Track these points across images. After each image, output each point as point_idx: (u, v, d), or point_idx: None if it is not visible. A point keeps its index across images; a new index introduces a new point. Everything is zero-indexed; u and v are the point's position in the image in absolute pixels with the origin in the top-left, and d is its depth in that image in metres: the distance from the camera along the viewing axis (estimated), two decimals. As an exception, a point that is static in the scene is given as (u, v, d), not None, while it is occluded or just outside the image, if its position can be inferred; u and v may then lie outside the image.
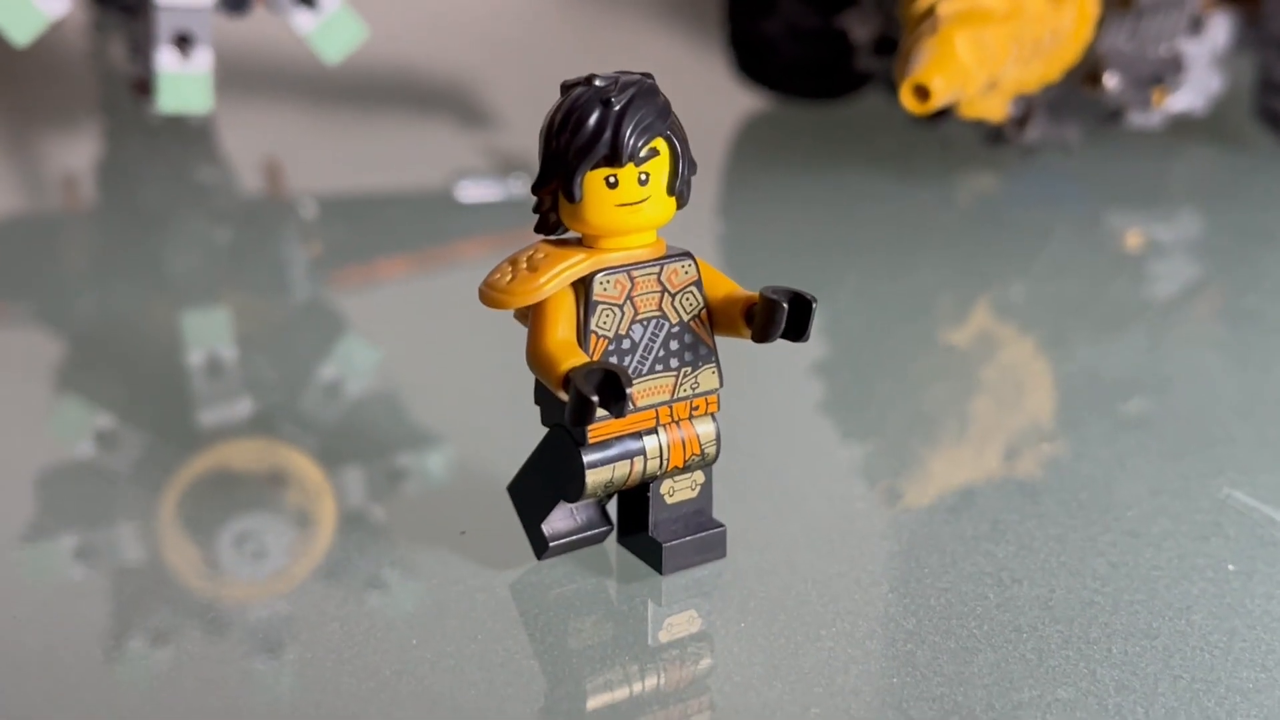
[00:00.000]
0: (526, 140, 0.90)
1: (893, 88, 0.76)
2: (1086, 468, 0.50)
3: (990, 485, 0.50)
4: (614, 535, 0.45)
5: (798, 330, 0.40)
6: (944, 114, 0.71)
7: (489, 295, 0.40)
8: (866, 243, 0.74)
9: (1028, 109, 0.72)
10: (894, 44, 0.73)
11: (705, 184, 0.81)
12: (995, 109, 0.68)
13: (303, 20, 0.73)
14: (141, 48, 0.76)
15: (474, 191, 0.82)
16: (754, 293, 0.41)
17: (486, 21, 1.22)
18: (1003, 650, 0.40)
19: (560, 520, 0.43)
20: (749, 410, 0.52)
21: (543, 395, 0.42)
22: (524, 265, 0.40)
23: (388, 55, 1.08)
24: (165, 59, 0.69)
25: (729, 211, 0.78)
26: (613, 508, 0.45)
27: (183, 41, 0.69)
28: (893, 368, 0.61)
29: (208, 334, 0.66)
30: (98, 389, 0.58)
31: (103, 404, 0.57)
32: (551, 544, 0.43)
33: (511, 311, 0.42)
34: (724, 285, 0.42)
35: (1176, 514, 0.47)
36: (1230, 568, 0.44)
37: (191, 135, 0.90)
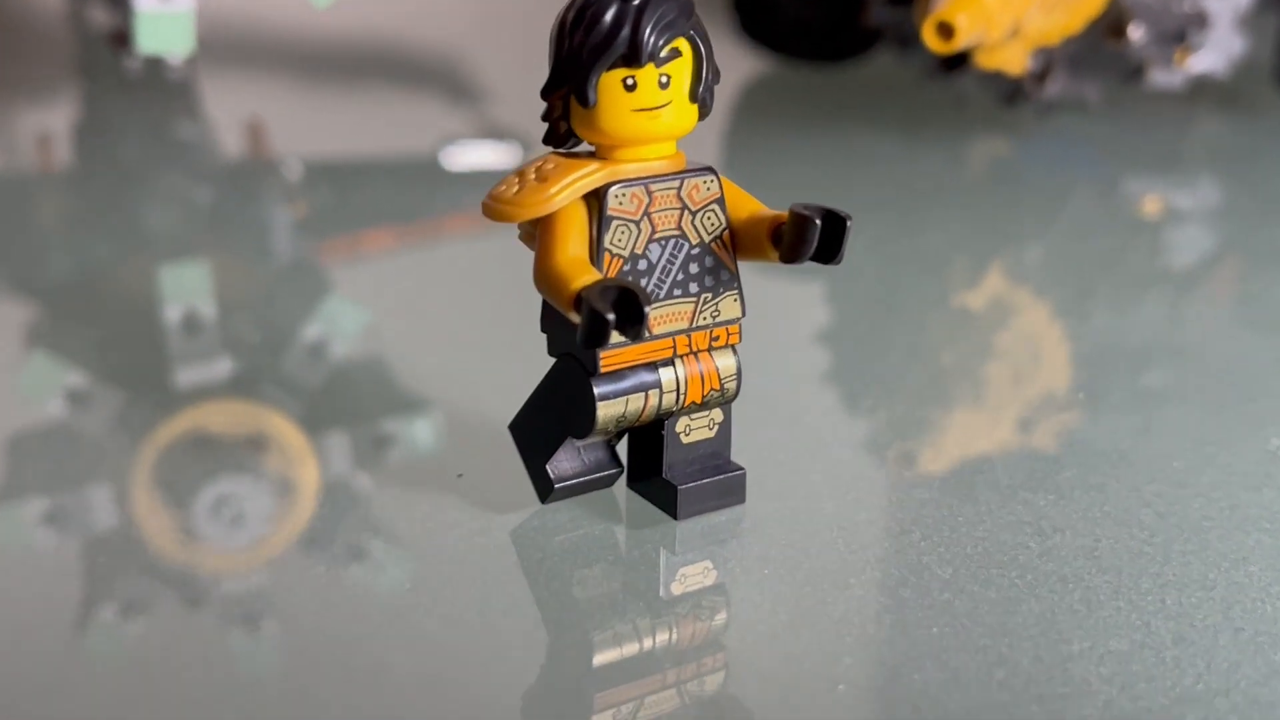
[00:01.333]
0: (514, 114, 0.88)
1: (904, 43, 0.73)
2: (1123, 422, 0.47)
3: (1024, 440, 0.47)
4: (624, 478, 0.41)
5: (830, 251, 0.37)
6: (961, 65, 0.68)
7: (493, 208, 0.37)
8: (876, 206, 0.71)
9: (1048, 63, 0.69)
10: (908, -6, 0.70)
11: (708, 147, 0.78)
12: (1015, 60, 0.65)
13: (290, -40, 0.70)
14: (120, -5, 0.73)
15: (465, 158, 0.79)
16: (781, 212, 0.38)
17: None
18: (1048, 600, 0.37)
19: (566, 461, 0.40)
20: (762, 352, 0.49)
21: (551, 321, 0.38)
22: (532, 176, 0.37)
23: (375, 21, 1.06)
24: (144, -2, 0.66)
25: (732, 176, 0.75)
26: (622, 449, 0.42)
27: (163, -21, 0.65)
28: (907, 329, 0.57)
29: (186, 291, 0.63)
30: (71, 346, 0.55)
31: (76, 361, 0.54)
32: (557, 486, 0.40)
33: (516, 231, 0.39)
34: (749, 204, 0.39)
35: (1225, 465, 0.44)
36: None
37: (172, 92, 0.87)
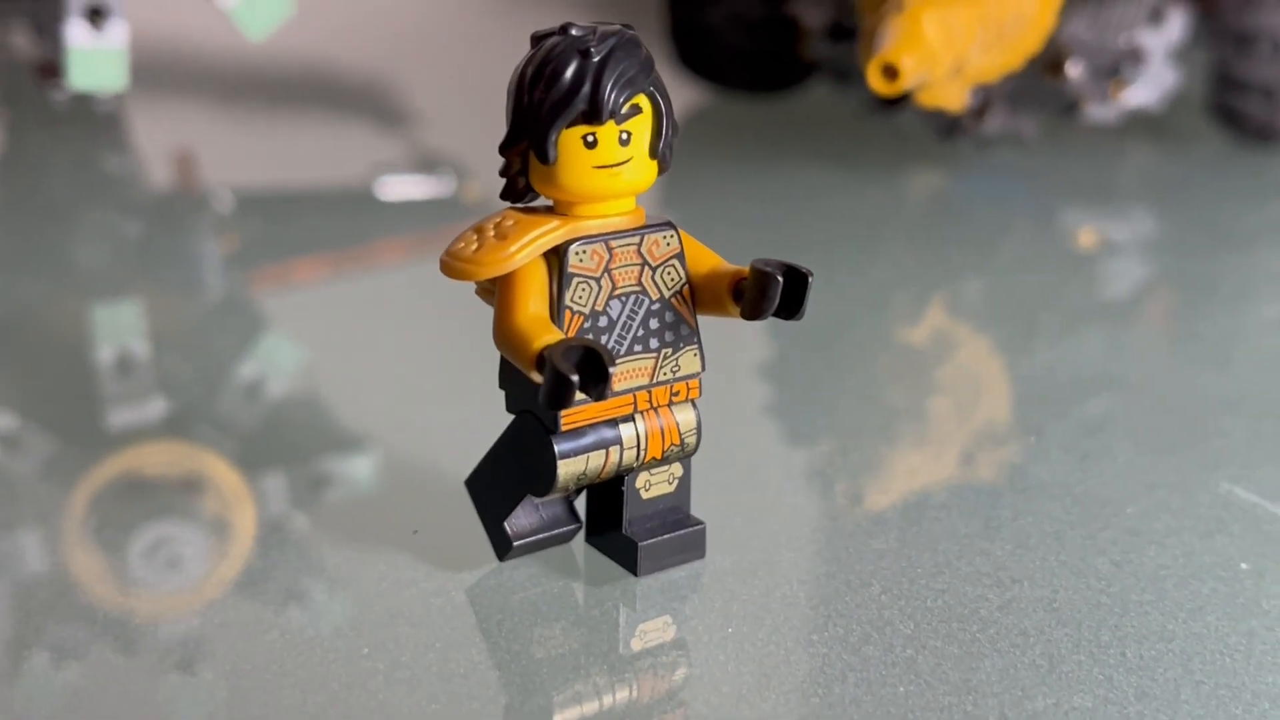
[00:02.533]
0: (446, 138, 0.88)
1: (842, 77, 0.73)
2: (1071, 465, 0.47)
3: (972, 485, 0.47)
4: (582, 533, 0.41)
5: (791, 307, 0.36)
6: (901, 103, 0.68)
7: (452, 265, 0.36)
8: (816, 239, 0.71)
9: (986, 99, 0.69)
10: (848, 31, 0.70)
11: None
12: (955, 98, 0.65)
13: (226, -6, 0.69)
14: (47, 26, 0.71)
15: (397, 188, 0.78)
16: (742, 267, 0.37)
17: (407, 15, 1.18)
18: (1010, 655, 0.37)
19: (524, 517, 0.40)
20: (707, 403, 0.49)
21: (510, 378, 0.38)
22: (491, 233, 0.36)
23: (302, 47, 1.04)
24: (76, 33, 0.64)
25: (670, 210, 0.75)
26: (580, 503, 0.41)
27: (95, 14, 0.64)
28: (851, 366, 0.57)
29: (118, 330, 0.62)
30: (-1, 387, 0.54)
31: (4, 403, 0.52)
32: (515, 543, 0.39)
33: (473, 287, 0.38)
34: (708, 259, 0.38)
35: (1177, 510, 0.44)
36: (1244, 566, 0.41)
37: (99, 124, 0.85)
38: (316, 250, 0.70)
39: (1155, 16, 0.71)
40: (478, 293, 0.38)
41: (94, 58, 0.64)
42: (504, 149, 0.36)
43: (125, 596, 0.40)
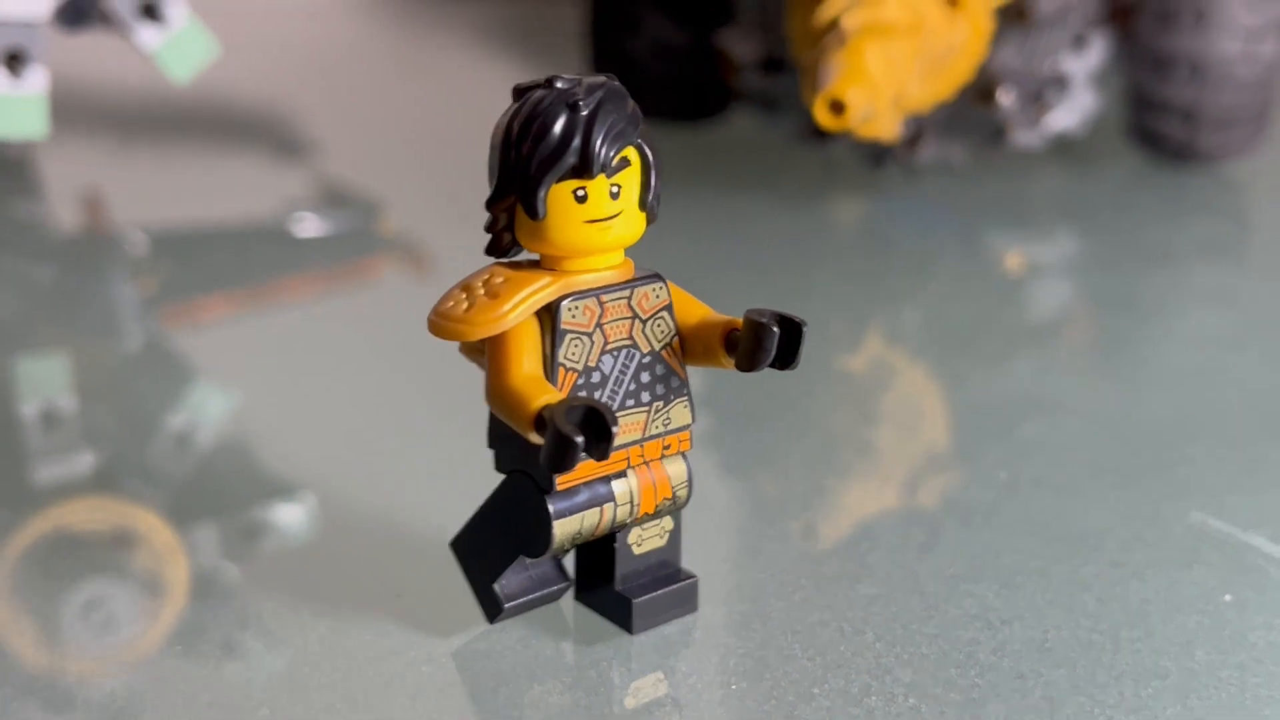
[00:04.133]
0: (353, 169, 0.86)
1: (770, 107, 0.73)
2: (1043, 496, 0.48)
3: (950, 519, 0.47)
4: (571, 591, 0.40)
5: (787, 357, 0.36)
6: (836, 134, 0.68)
7: (443, 326, 0.35)
8: (746, 269, 0.71)
9: (919, 129, 0.70)
10: (779, 63, 0.70)
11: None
12: (888, 128, 0.65)
13: (148, 36, 0.67)
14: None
15: (310, 223, 0.77)
16: (733, 317, 0.37)
17: (307, 47, 1.16)
18: (1011, 700, 0.37)
19: (514, 578, 0.39)
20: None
21: (501, 438, 0.37)
22: (481, 291, 0.35)
23: (210, 84, 1.02)
24: (-7, 79, 0.62)
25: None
26: (569, 561, 0.40)
27: (14, 60, 0.62)
28: (791, 396, 0.57)
29: (37, 382, 0.60)
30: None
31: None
32: (507, 605, 0.38)
33: (457, 346, 0.37)
34: (697, 310, 0.38)
35: (1153, 542, 0.45)
36: (1227, 598, 0.41)
37: (7, 168, 0.83)
38: (232, 287, 0.69)
39: (1078, 42, 0.72)
40: (462, 350, 0.37)
41: (13, 105, 0.62)
42: (490, 204, 0.36)
43: (54, 656, 0.39)
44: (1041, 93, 0.71)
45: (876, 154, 0.72)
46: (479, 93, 1.02)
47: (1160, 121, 0.78)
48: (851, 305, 0.67)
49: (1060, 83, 0.70)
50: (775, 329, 0.35)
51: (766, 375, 0.56)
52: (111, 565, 0.44)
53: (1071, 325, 0.68)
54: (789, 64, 0.70)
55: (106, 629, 0.40)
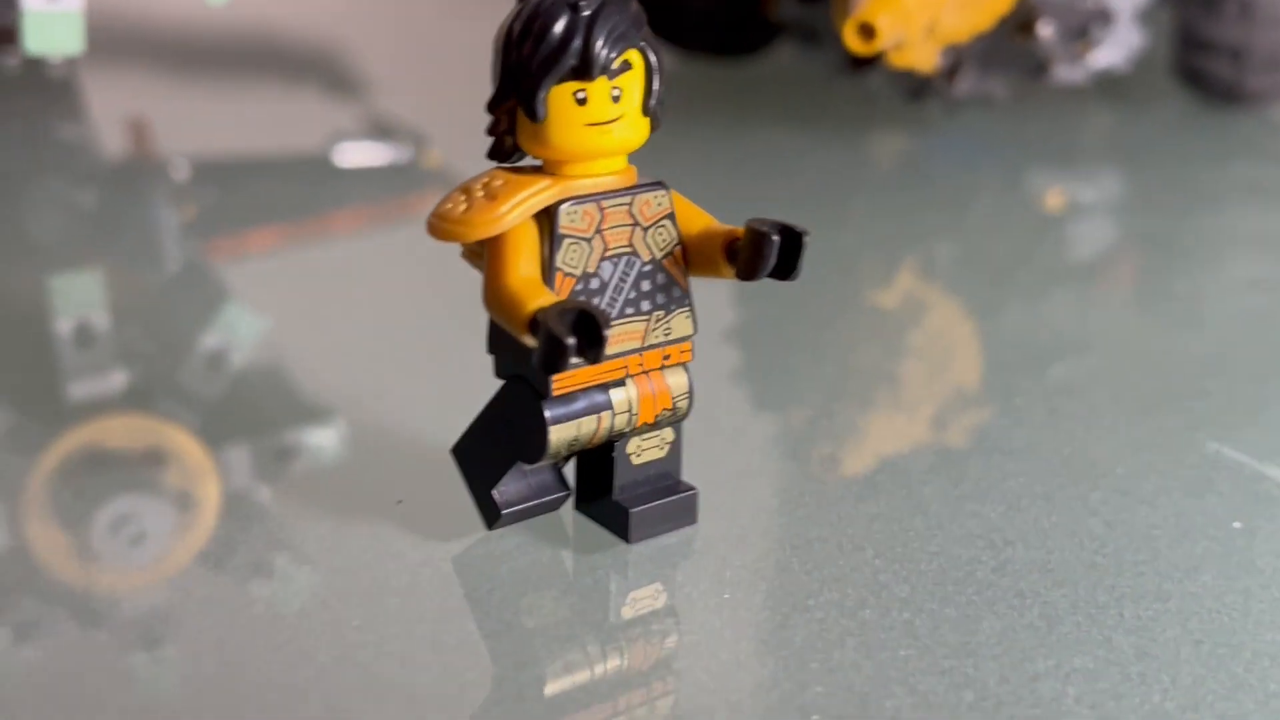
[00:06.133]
0: (404, 104, 0.86)
1: (810, 39, 0.72)
2: (1057, 426, 0.47)
3: (960, 446, 0.47)
4: (571, 501, 0.40)
5: (787, 267, 0.36)
6: (871, 64, 0.68)
7: (440, 227, 0.35)
8: (784, 203, 0.70)
9: (957, 60, 0.69)
10: (817, -9, 0.70)
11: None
12: (926, 59, 0.64)
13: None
14: (-1, -10, 0.69)
15: (355, 155, 0.77)
16: (735, 227, 0.37)
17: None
18: (1008, 618, 0.37)
19: (513, 486, 0.39)
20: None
21: (500, 343, 0.37)
22: (480, 193, 0.35)
23: (260, 14, 1.03)
24: (31, -5, 0.63)
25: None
26: (569, 470, 0.40)
27: (50, -24, 0.62)
28: (822, 329, 0.57)
29: (75, 301, 0.60)
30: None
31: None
32: (504, 512, 0.39)
33: (449, 251, 0.37)
34: (700, 219, 0.37)
35: (1165, 471, 0.44)
36: (1236, 525, 0.41)
37: (52, 91, 0.84)
38: (275, 218, 0.69)
39: (1125, -24, 0.71)
40: (464, 255, 0.37)
41: (49, 20, 0.63)
42: (491, 107, 0.36)
43: (88, 572, 0.39)
44: (1086, 28, 0.70)
45: (915, 87, 0.71)
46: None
47: (1208, 61, 0.76)
48: (886, 240, 0.67)
49: (1104, 18, 0.69)
50: (775, 237, 0.35)
51: (797, 306, 0.57)
52: (144, 482, 0.44)
53: (1110, 265, 0.67)
54: (827, -8, 0.69)
55: (138, 545, 0.41)
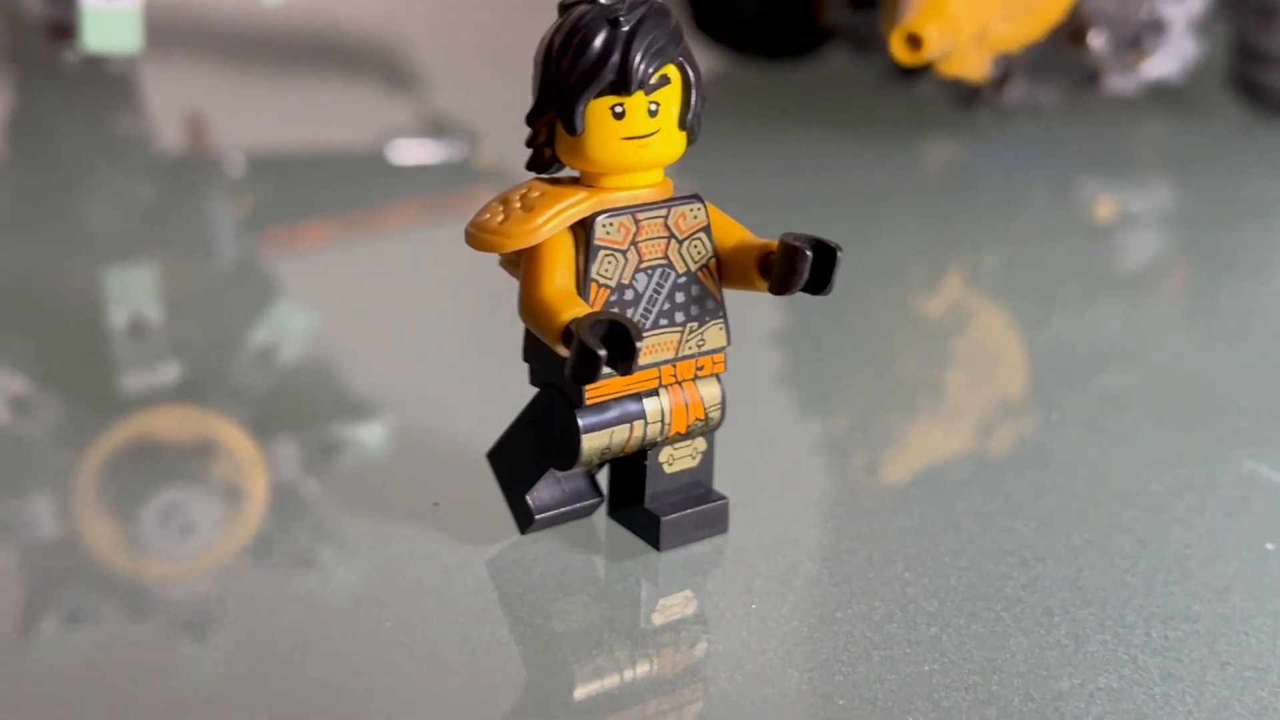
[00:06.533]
0: (458, 101, 0.87)
1: (861, 45, 0.73)
2: (1093, 442, 0.47)
3: (995, 459, 0.47)
4: (604, 507, 0.41)
5: (820, 282, 0.36)
6: (921, 72, 0.68)
7: (478, 237, 0.36)
8: (832, 208, 0.70)
9: (1008, 69, 0.69)
10: (869, -2, 0.70)
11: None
12: (976, 67, 0.64)
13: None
14: (61, -13, 0.71)
15: (409, 152, 0.78)
16: (770, 241, 0.37)
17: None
18: (1035, 635, 0.37)
19: (546, 491, 0.39)
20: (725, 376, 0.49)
21: (535, 351, 0.38)
22: (517, 204, 0.36)
23: (317, 11, 1.04)
24: (91, -6, 0.64)
25: (684, 177, 0.74)
26: (602, 477, 0.41)
27: (109, -25, 0.63)
28: (866, 336, 0.57)
29: (130, 294, 0.61)
30: (10, 351, 0.54)
31: (15, 367, 0.52)
32: (537, 517, 0.39)
33: (497, 258, 0.38)
34: (736, 232, 0.38)
35: (1201, 488, 0.44)
36: (1269, 546, 0.41)
37: (111, 85, 0.85)
38: (328, 213, 0.70)
39: (1179, -13, 0.70)
40: (501, 264, 0.38)
41: (109, 19, 0.64)
42: (531, 119, 0.36)
43: (137, 561, 0.40)
44: (1139, 38, 0.69)
45: (966, 94, 0.71)
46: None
47: (1263, 72, 0.76)
48: (932, 246, 0.67)
49: (1158, 28, 0.69)
50: (808, 252, 0.35)
51: (841, 312, 0.57)
52: (193, 474, 0.45)
53: (1158, 276, 0.67)
54: None
55: (186, 535, 0.41)
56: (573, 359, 0.34)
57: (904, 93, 0.76)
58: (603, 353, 0.33)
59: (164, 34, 0.95)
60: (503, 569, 0.39)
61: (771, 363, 0.54)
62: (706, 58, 0.90)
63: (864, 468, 0.46)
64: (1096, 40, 0.67)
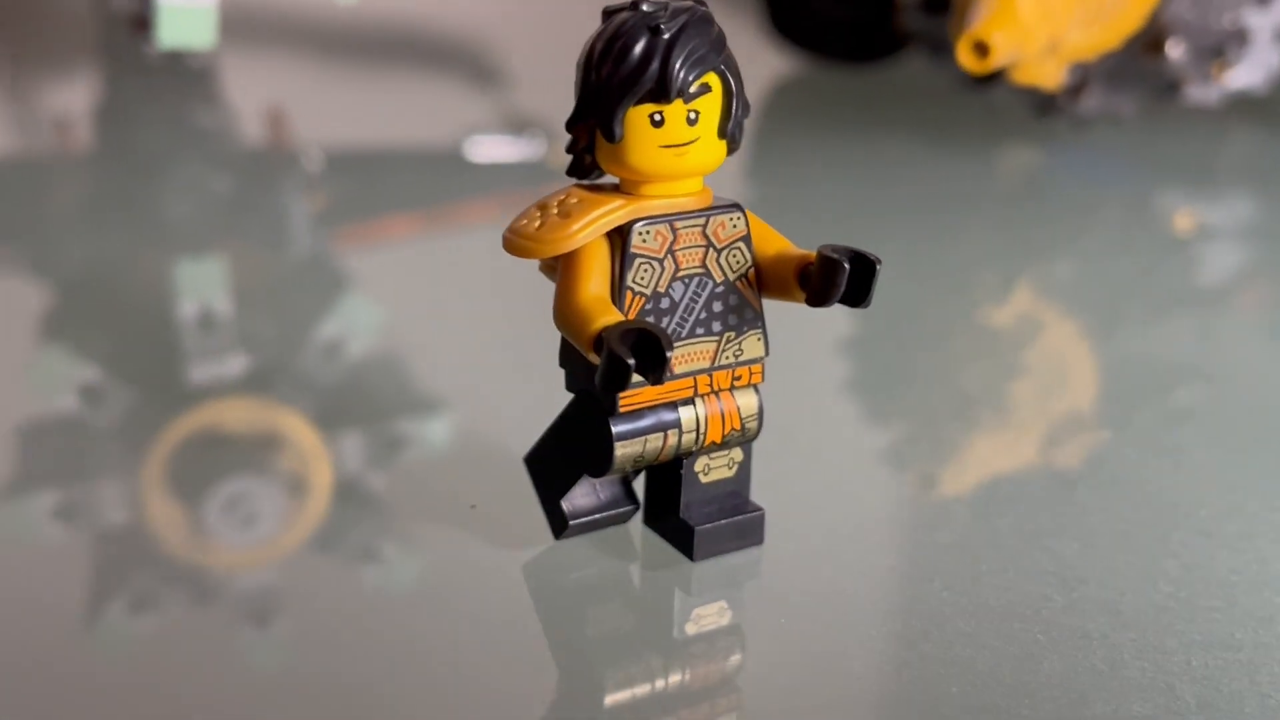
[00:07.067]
0: (537, 99, 0.87)
1: (937, 50, 0.72)
2: (1147, 461, 0.46)
3: (1044, 476, 0.46)
4: (640, 515, 0.41)
5: (859, 294, 0.36)
6: (995, 79, 0.67)
7: (515, 243, 0.36)
8: (903, 214, 0.70)
9: (1084, 77, 0.68)
10: (943, 3, 0.69)
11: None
12: (1050, 75, 0.63)
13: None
14: (143, -19, 0.72)
15: (488, 149, 0.78)
16: (809, 251, 0.37)
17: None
18: (1071, 659, 0.36)
19: (582, 497, 0.39)
20: (778, 385, 0.48)
21: (570, 357, 0.37)
22: (555, 211, 0.36)
23: (400, 7, 1.05)
24: (167, -10, 0.65)
25: (757, 178, 0.74)
26: (640, 485, 0.41)
27: (185, -27, 0.64)
28: (930, 347, 0.56)
29: (201, 285, 0.62)
30: (83, 339, 0.55)
31: (88, 355, 0.53)
32: (572, 522, 0.39)
33: (537, 264, 0.38)
34: (776, 242, 0.37)
35: (1252, 514, 0.43)
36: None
37: (191, 78, 0.86)
38: (403, 210, 0.70)
39: (1263, -4, 0.69)
40: (541, 269, 0.38)
41: (183, 15, 0.65)
42: (570, 125, 0.36)
43: (202, 549, 0.41)
44: (1223, 48, 0.68)
45: (1041, 102, 0.70)
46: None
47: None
48: (1003, 256, 0.66)
49: (1241, 38, 0.67)
50: (846, 265, 0.35)
51: (907, 323, 0.56)
52: (259, 465, 0.45)
53: (1235, 292, 0.65)
54: (952, 4, 0.68)
55: (251, 525, 0.42)
56: (602, 367, 0.34)
57: (978, 100, 0.75)
58: (632, 362, 0.33)
59: (248, 29, 0.96)
60: (537, 574, 0.39)
61: (832, 372, 0.53)
62: (783, 60, 0.90)
63: (910, 482, 0.46)
64: (1175, 50, 0.66)
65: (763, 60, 0.90)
